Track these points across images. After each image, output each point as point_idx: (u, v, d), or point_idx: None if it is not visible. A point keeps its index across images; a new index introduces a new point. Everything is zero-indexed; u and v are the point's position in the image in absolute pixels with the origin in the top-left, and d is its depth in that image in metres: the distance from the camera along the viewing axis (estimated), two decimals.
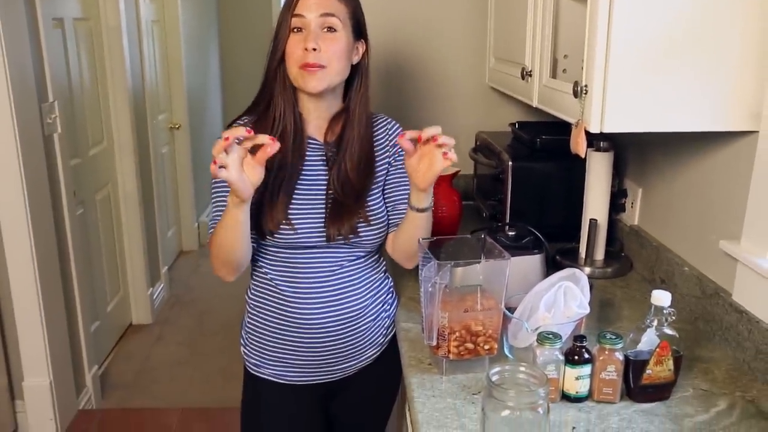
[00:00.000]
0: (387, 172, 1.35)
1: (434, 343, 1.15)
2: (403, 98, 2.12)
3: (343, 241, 1.27)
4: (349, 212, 1.26)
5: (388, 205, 1.34)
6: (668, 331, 1.06)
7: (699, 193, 1.39)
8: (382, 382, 1.44)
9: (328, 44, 1.21)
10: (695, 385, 1.13)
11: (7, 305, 2.27)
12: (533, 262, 1.39)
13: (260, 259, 1.31)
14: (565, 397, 1.08)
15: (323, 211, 1.26)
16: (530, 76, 1.54)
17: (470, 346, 1.14)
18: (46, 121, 2.29)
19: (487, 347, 1.15)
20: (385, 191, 1.35)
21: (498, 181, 1.75)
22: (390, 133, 1.36)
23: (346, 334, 1.31)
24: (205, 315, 3.52)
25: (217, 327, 3.37)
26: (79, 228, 2.60)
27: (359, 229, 1.26)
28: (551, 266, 1.45)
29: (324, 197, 1.27)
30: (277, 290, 1.29)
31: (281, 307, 1.30)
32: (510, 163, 1.69)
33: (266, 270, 1.31)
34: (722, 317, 1.26)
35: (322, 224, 1.25)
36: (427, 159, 1.14)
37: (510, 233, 1.46)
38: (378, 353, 1.39)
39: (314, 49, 1.20)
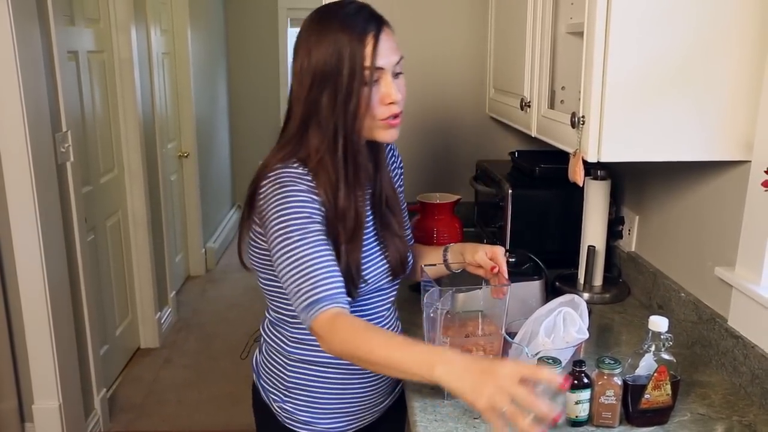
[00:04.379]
0: None
1: None
2: (406, 127, 2.15)
3: (402, 275, 1.23)
4: (402, 243, 1.22)
5: None
6: (666, 356, 1.07)
7: (694, 221, 1.41)
8: (398, 412, 1.38)
9: (401, 89, 1.11)
10: (693, 410, 1.13)
11: (18, 329, 2.30)
12: (533, 288, 1.40)
13: (304, 330, 1.17)
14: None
15: (381, 254, 1.19)
16: (529, 106, 1.57)
17: None
18: (59, 150, 2.34)
19: None
20: None
21: (498, 208, 1.76)
22: (394, 156, 1.34)
23: (391, 379, 1.26)
24: (212, 339, 3.54)
25: (224, 351, 3.39)
26: (90, 254, 2.64)
27: (409, 258, 1.24)
28: (551, 292, 1.46)
29: (376, 240, 1.19)
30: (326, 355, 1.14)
31: (335, 361, 1.17)
32: (510, 191, 1.71)
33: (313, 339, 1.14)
34: (718, 342, 1.27)
35: (386, 266, 1.19)
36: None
37: (510, 260, 1.45)
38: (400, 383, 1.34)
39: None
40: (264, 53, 5.47)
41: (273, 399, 1.25)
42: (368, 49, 1.04)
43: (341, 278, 1.03)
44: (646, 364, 1.07)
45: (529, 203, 1.72)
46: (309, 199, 1.06)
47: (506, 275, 1.19)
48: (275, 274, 1.09)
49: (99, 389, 2.69)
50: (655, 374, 1.06)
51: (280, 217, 1.03)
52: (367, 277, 1.14)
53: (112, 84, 3.00)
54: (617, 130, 1.17)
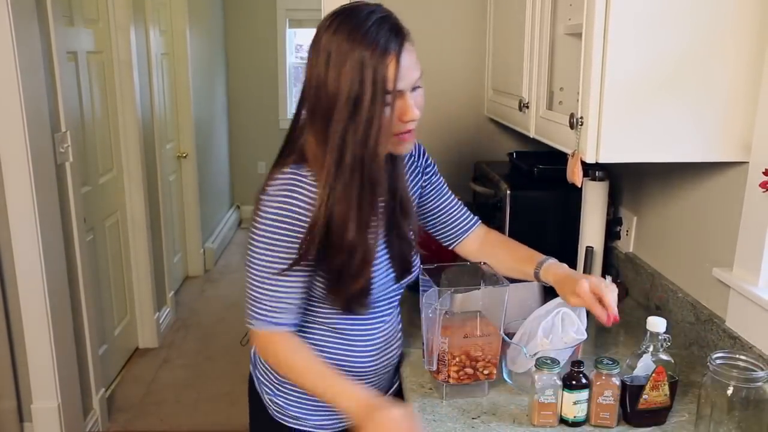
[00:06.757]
0: (420, 195, 1.31)
1: (435, 368, 1.17)
2: None
3: (408, 277, 1.21)
4: (407, 245, 1.19)
5: (442, 218, 1.33)
6: (664, 356, 1.08)
7: (692, 222, 1.41)
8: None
9: (419, 103, 1.06)
10: (691, 410, 1.13)
11: (17, 329, 2.30)
12: (531, 288, 1.40)
13: (306, 326, 1.18)
14: (563, 422, 1.09)
15: (388, 260, 1.17)
16: (527, 107, 1.57)
17: (470, 371, 1.16)
18: (58, 150, 2.34)
19: (486, 372, 1.17)
20: (433, 209, 1.33)
21: (497, 209, 1.76)
22: (415, 153, 1.29)
23: (389, 373, 1.28)
24: (210, 339, 3.54)
25: (222, 350, 3.39)
26: (89, 254, 2.64)
27: (414, 260, 1.21)
28: (549, 293, 1.46)
29: (385, 245, 1.16)
30: (328, 352, 1.19)
31: (328, 359, 1.18)
32: (508, 192, 1.70)
33: (314, 335, 1.19)
34: (716, 343, 1.28)
35: (391, 275, 1.17)
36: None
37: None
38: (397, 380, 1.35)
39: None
40: (263, 54, 5.48)
41: (265, 391, 1.26)
42: (390, 71, 0.98)
43: (297, 304, 1.11)
44: (645, 365, 1.07)
45: (527, 204, 1.72)
46: (300, 225, 1.04)
47: (615, 310, 1.10)
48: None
49: (97, 389, 2.69)
50: (654, 375, 1.07)
51: (263, 235, 1.06)
52: (372, 289, 1.13)
53: (111, 84, 2.99)
54: (616, 131, 1.17)
